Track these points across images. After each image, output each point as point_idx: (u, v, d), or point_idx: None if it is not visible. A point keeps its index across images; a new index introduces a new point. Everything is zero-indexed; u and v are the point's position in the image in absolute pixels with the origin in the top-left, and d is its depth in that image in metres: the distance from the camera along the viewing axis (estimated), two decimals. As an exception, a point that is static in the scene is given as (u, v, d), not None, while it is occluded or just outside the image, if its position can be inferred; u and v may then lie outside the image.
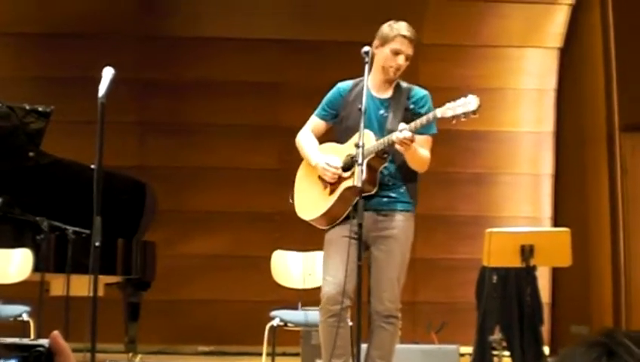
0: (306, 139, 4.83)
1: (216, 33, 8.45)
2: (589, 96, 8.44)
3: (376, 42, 4.66)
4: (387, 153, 4.51)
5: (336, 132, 4.82)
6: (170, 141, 8.51)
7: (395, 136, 4.35)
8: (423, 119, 4.37)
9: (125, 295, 6.36)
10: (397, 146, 4.37)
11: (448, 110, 4.27)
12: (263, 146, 8.47)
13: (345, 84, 4.80)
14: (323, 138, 4.88)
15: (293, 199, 4.84)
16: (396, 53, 4.60)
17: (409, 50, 4.62)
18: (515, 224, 8.19)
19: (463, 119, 4.27)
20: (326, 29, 8.38)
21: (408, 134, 4.32)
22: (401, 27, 4.62)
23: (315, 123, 4.86)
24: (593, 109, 8.32)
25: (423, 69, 7.88)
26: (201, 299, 8.27)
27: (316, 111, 4.87)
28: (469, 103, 4.22)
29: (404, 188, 4.63)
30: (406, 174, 4.63)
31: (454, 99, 4.30)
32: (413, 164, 4.57)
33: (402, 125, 4.38)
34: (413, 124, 4.37)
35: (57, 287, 5.67)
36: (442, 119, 4.35)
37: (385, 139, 4.43)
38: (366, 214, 4.42)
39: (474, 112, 4.21)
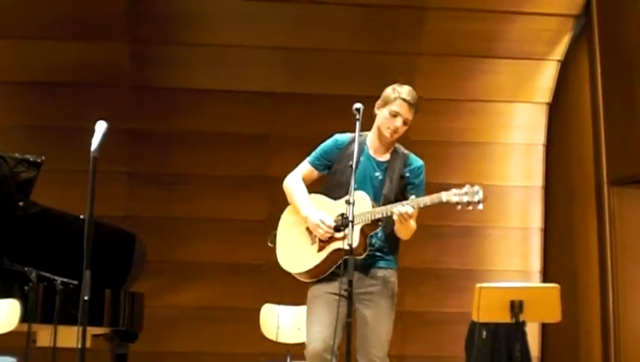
0: (296, 185, 4.77)
1: (207, 85, 8.48)
2: (577, 150, 8.48)
3: (378, 103, 4.71)
4: (381, 221, 4.51)
5: (326, 183, 4.78)
6: (158, 191, 8.50)
7: (397, 210, 4.35)
8: (427, 200, 4.37)
9: (112, 346, 6.30)
10: (395, 218, 4.37)
11: (454, 196, 4.28)
12: (251, 197, 8.46)
13: (343, 137, 4.77)
14: (312, 186, 4.87)
15: (274, 243, 4.78)
16: (394, 115, 4.61)
17: (408, 115, 4.64)
18: (505, 277, 8.18)
19: (468, 208, 4.27)
20: (316, 82, 8.43)
21: (410, 210, 4.33)
22: (404, 91, 4.65)
23: (306, 170, 4.81)
24: (582, 164, 8.36)
25: (412, 122, 7.92)
26: (187, 352, 8.20)
27: (309, 159, 4.82)
28: (475, 193, 4.23)
29: (387, 249, 4.64)
30: (392, 242, 4.65)
31: (459, 187, 4.31)
32: (403, 234, 4.58)
33: (406, 203, 4.38)
34: (415, 203, 4.37)
35: (44, 338, 5.61)
36: (447, 203, 4.34)
37: (384, 210, 4.43)
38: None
39: (478, 203, 4.23)
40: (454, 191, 4.30)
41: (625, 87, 7.70)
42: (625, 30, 7.76)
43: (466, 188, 4.27)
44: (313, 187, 4.84)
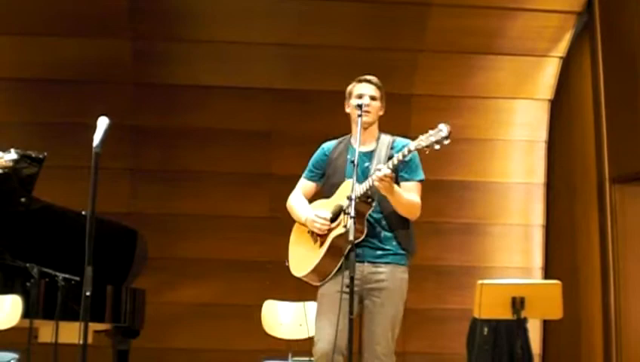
0: (296, 200, 4.90)
1: (209, 81, 8.47)
2: (579, 147, 8.48)
3: (345, 102, 4.85)
4: (371, 197, 4.52)
5: (323, 191, 4.87)
6: (161, 188, 8.49)
7: (375, 176, 4.38)
8: (399, 155, 4.39)
9: (114, 342, 6.31)
10: (377, 185, 4.38)
11: (421, 141, 4.30)
12: (254, 194, 8.46)
13: (329, 144, 4.91)
14: (315, 198, 4.92)
15: (288, 261, 4.84)
16: (360, 97, 4.74)
17: (371, 92, 4.76)
18: (506, 274, 8.19)
19: (437, 147, 4.27)
20: (318, 78, 8.42)
21: (387, 171, 4.35)
22: (361, 77, 4.84)
23: (304, 185, 4.95)
24: (583, 160, 8.36)
25: (414, 119, 7.95)
26: (189, 348, 8.21)
27: (304, 174, 4.96)
28: (440, 131, 4.25)
29: (395, 239, 4.63)
30: (395, 222, 4.63)
31: (425, 132, 4.34)
32: (401, 209, 4.58)
33: (380, 165, 4.43)
34: (390, 162, 4.42)
35: (46, 334, 5.62)
36: (423, 157, 4.39)
37: (366, 182, 4.47)
38: (359, 266, 4.44)
39: (446, 137, 4.23)
40: (420, 137, 4.32)
41: (627, 84, 7.70)
42: (627, 27, 7.76)
43: (431, 131, 4.29)
44: (315, 199, 4.91)
